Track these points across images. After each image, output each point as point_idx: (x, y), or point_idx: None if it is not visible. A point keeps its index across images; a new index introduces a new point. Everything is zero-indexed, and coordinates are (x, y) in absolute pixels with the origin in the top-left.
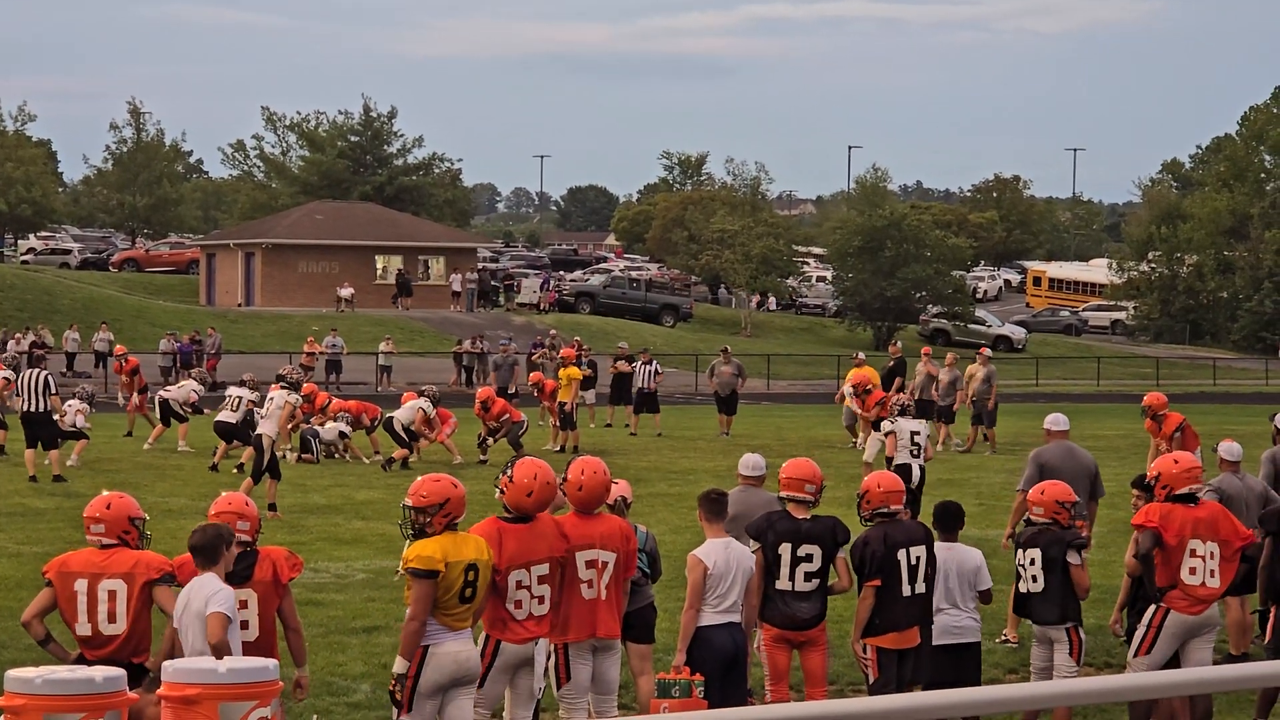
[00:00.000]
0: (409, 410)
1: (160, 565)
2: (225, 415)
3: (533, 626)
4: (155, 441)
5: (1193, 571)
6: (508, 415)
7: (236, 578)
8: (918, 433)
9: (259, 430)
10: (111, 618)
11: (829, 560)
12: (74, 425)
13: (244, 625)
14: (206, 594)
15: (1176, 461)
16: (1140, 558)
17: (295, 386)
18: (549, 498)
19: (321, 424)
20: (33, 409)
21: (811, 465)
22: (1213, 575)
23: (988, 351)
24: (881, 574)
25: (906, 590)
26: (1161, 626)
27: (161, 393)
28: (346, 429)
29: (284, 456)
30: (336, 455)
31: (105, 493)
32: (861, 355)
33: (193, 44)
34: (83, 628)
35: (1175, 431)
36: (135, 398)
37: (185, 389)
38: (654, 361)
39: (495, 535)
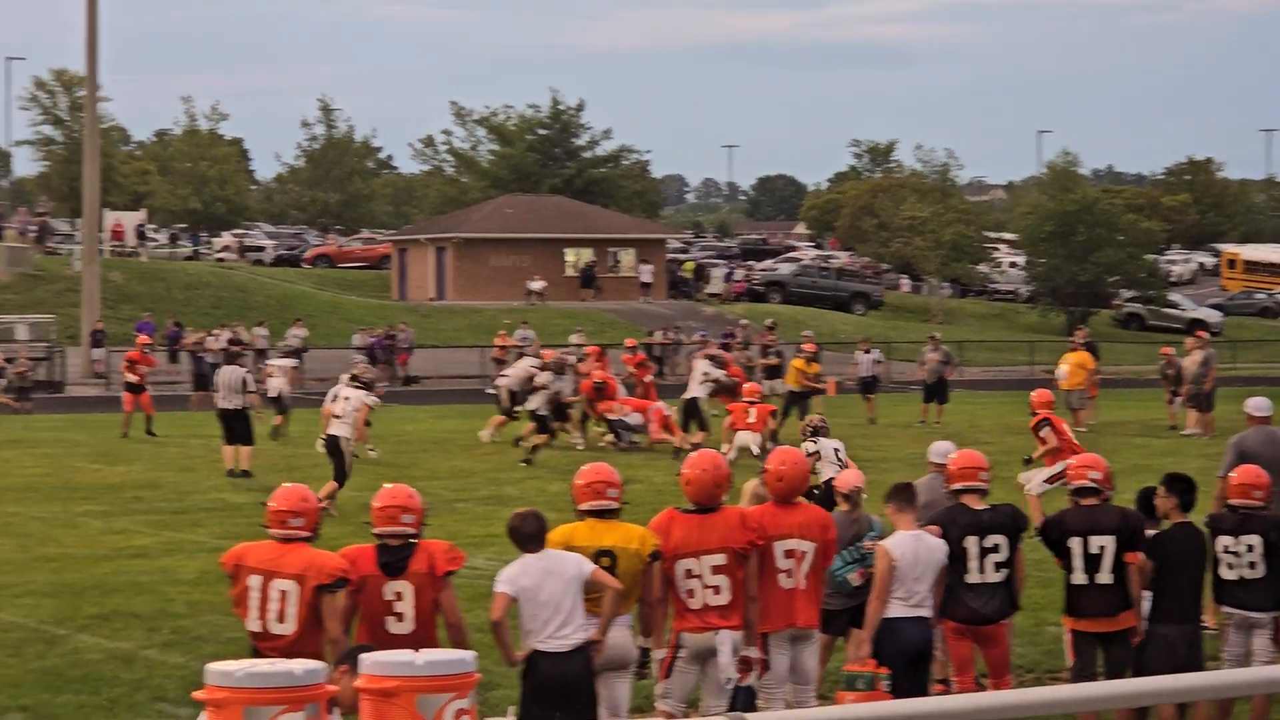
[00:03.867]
0: (521, 371)
1: (333, 570)
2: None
3: (712, 618)
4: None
5: None
6: (625, 409)
7: (391, 569)
8: (839, 449)
9: (334, 432)
10: (281, 618)
11: (1014, 548)
12: (279, 394)
13: (399, 618)
14: (576, 564)
15: None
16: None
17: (369, 387)
18: (800, 483)
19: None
20: (230, 406)
21: (980, 454)
22: None
23: (1205, 334)
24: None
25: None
26: None
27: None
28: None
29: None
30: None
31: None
32: (1077, 339)
33: (381, 40)
34: (253, 623)
35: None
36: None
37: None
38: (874, 350)
39: (665, 525)
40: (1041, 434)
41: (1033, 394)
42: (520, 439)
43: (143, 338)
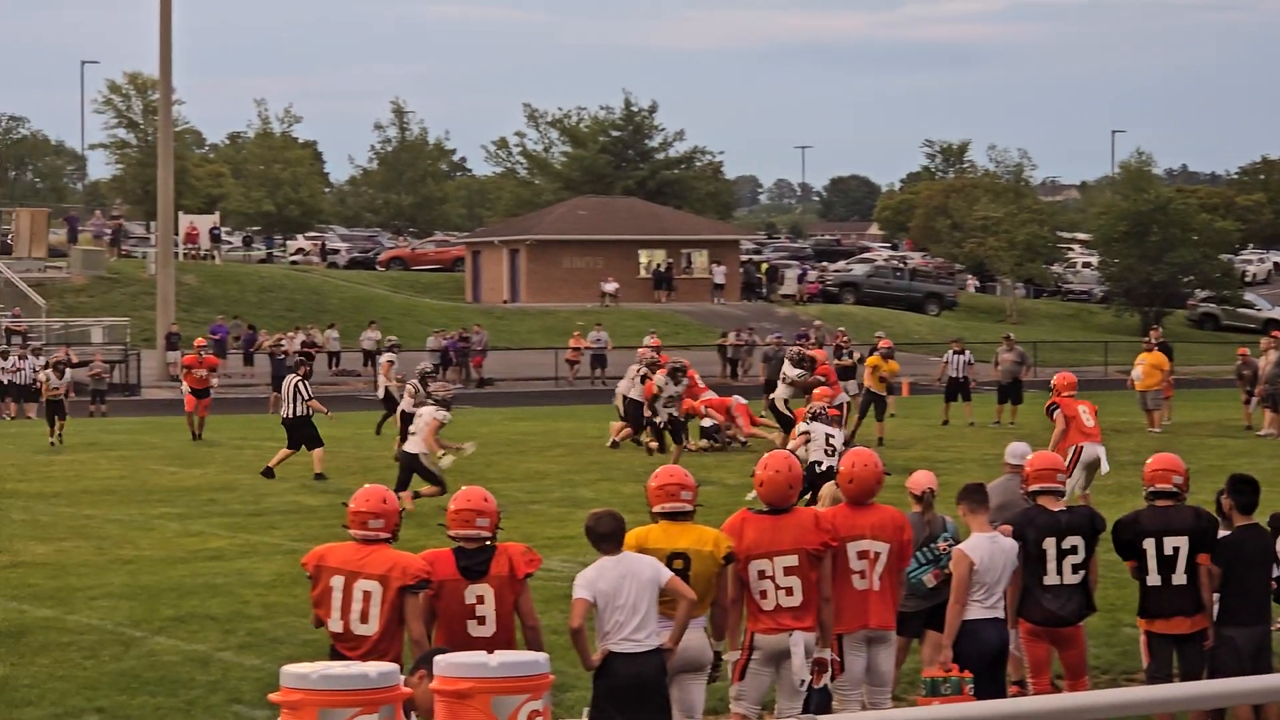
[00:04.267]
0: (628, 382)
1: (417, 571)
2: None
3: (786, 619)
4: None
5: None
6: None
7: (472, 573)
8: (833, 435)
9: (408, 449)
10: (364, 618)
11: (1091, 550)
12: (386, 391)
13: (480, 621)
14: (652, 567)
15: None
16: None
17: (445, 404)
18: (873, 485)
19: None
20: (289, 415)
21: (1056, 456)
22: None
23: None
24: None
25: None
26: None
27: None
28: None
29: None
30: (725, 441)
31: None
32: (1151, 339)
33: (454, 42)
34: (335, 624)
35: None
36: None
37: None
38: (966, 351)
39: (738, 526)
40: (1053, 416)
41: (1055, 376)
42: (614, 442)
43: (199, 340)
